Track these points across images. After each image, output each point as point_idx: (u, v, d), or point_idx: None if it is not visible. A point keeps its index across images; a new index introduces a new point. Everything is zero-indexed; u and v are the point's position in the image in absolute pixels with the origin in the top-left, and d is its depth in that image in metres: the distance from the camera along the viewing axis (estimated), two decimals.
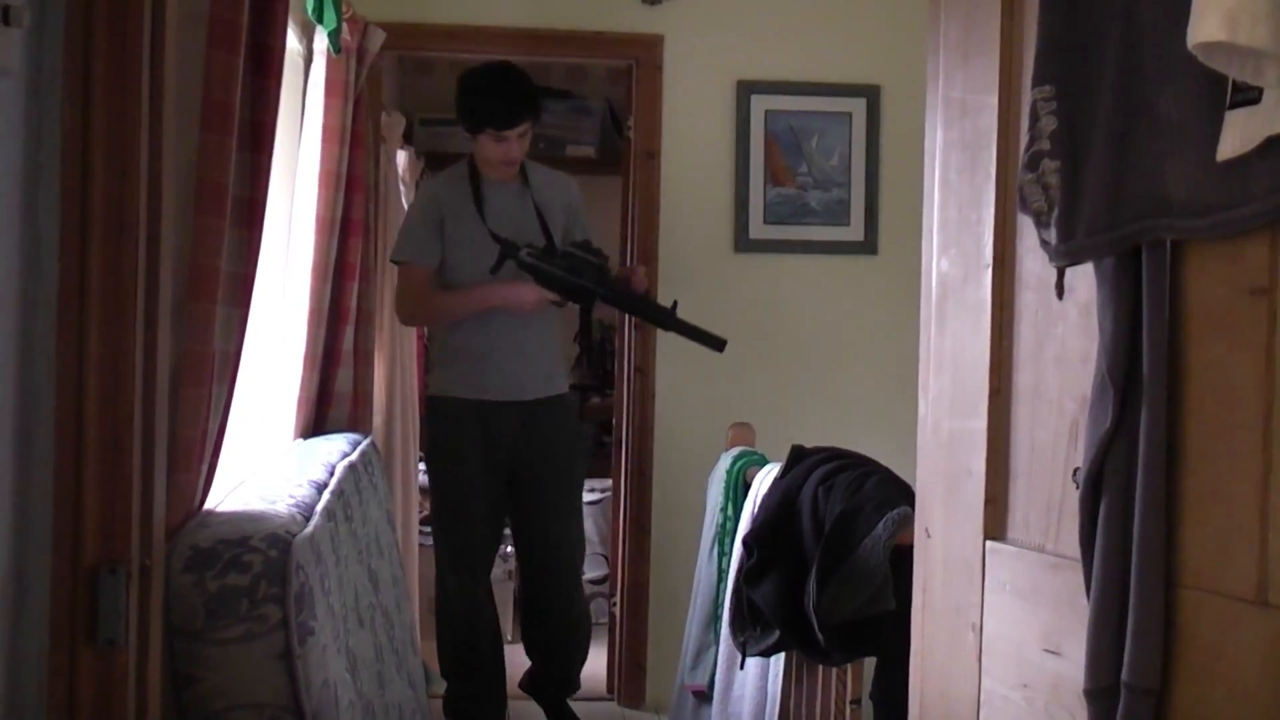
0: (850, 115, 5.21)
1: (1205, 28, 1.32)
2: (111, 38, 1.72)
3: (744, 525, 3.59)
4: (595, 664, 5.05)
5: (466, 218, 4.38)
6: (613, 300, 4.39)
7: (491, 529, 4.60)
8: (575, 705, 4.75)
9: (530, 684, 4.73)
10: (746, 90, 5.15)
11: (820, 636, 2.99)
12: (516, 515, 4.63)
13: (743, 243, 5.17)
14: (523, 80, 4.38)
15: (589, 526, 5.95)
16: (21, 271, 1.65)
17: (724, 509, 3.96)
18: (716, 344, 4.34)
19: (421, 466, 6.48)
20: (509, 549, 5.51)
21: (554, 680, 4.70)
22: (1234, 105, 1.39)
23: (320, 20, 3.38)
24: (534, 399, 4.48)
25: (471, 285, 4.37)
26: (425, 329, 5.92)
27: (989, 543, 1.95)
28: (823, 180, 5.20)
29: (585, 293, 4.31)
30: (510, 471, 4.52)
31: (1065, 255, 1.67)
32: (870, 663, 3.18)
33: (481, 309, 4.37)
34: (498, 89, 4.34)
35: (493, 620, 4.68)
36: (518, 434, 4.47)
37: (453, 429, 4.49)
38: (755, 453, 4.06)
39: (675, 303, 4.35)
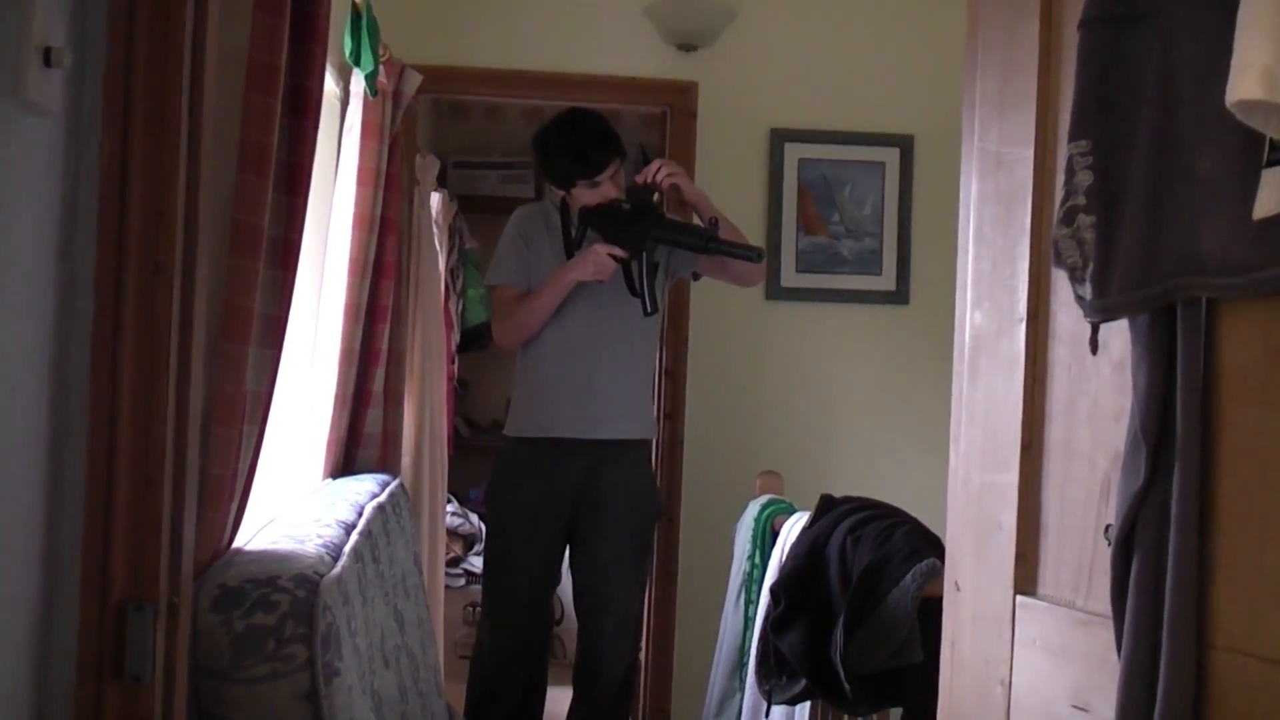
0: (884, 165, 5.21)
1: (1243, 85, 1.31)
2: (151, 80, 1.74)
3: (771, 573, 3.57)
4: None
5: (553, 253, 4.33)
6: (666, 237, 4.21)
7: (539, 583, 4.42)
8: None
9: None
10: (780, 138, 5.17)
11: (846, 686, 2.98)
12: (572, 568, 4.47)
13: (775, 291, 5.17)
14: (596, 122, 4.31)
15: None
16: (57, 310, 1.66)
17: (751, 557, 3.95)
18: (754, 252, 4.16)
19: (450, 507, 6.50)
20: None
21: None
22: (1271, 164, 1.39)
23: (357, 63, 3.41)
24: (604, 439, 4.30)
25: (547, 281, 4.27)
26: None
27: (1019, 598, 1.94)
28: (855, 229, 5.21)
29: (642, 233, 4.17)
30: (570, 526, 4.37)
31: (1099, 311, 1.66)
32: (896, 713, 3.16)
33: (560, 289, 4.22)
34: (573, 140, 4.27)
35: (530, 675, 4.49)
36: (581, 485, 4.31)
37: (510, 470, 4.38)
38: (783, 501, 4.05)
39: (714, 220, 4.18)
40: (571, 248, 4.32)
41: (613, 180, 4.27)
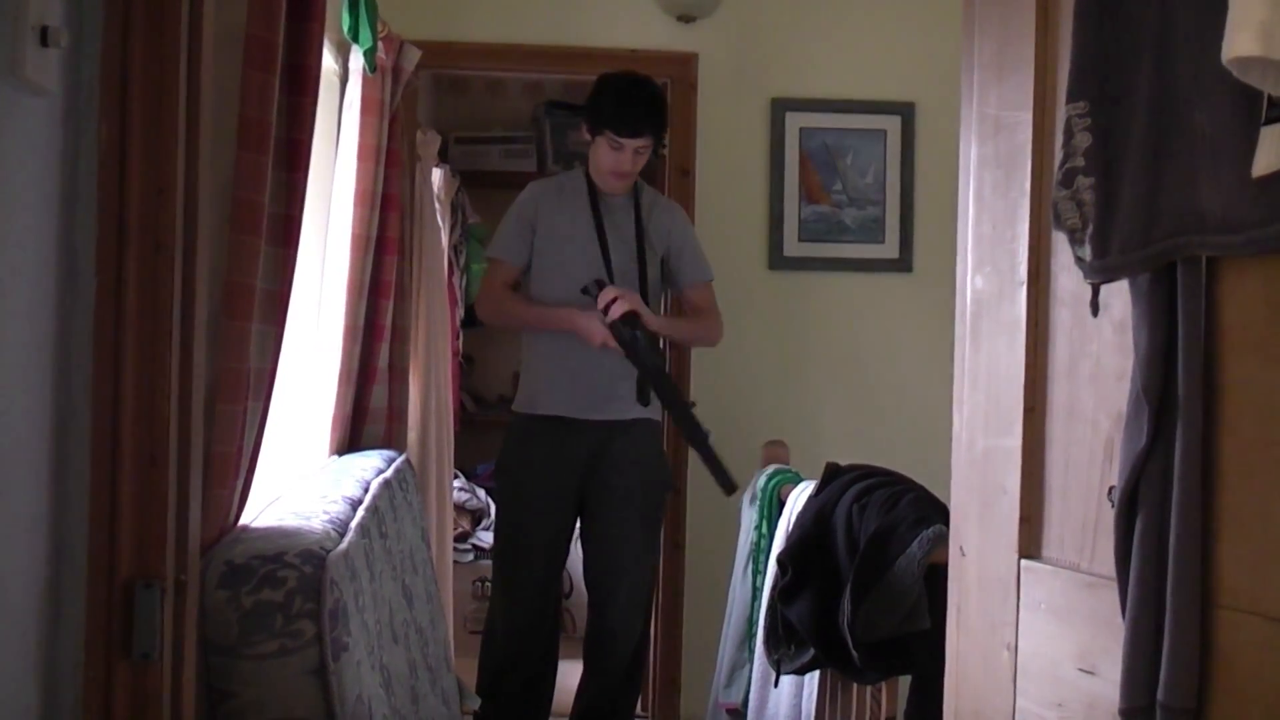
0: (885, 133, 5.20)
1: (1240, 42, 1.31)
2: (148, 58, 1.73)
3: (778, 543, 3.58)
4: None
5: (574, 226, 4.33)
6: (661, 395, 4.24)
7: (551, 556, 4.43)
8: None
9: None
10: (781, 108, 5.16)
11: (855, 654, 2.98)
12: (583, 541, 4.49)
13: (777, 260, 5.17)
14: (657, 96, 4.32)
15: None
16: (58, 289, 1.67)
17: (758, 527, 3.95)
18: (727, 484, 4.12)
19: (458, 483, 6.51)
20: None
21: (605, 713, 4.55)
22: (1269, 121, 1.39)
23: (356, 39, 3.40)
24: (612, 420, 4.32)
25: (550, 303, 4.31)
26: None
27: (1024, 561, 1.94)
28: (857, 198, 5.20)
29: (645, 371, 4.19)
30: (580, 499, 4.39)
31: (1100, 272, 1.66)
32: (905, 681, 3.17)
33: (550, 327, 4.29)
34: (630, 94, 4.27)
35: (542, 648, 4.50)
36: (591, 459, 4.33)
37: (520, 442, 4.40)
38: (789, 470, 4.06)
39: (709, 432, 4.18)
40: (599, 222, 4.33)
41: (634, 155, 4.26)
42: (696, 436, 4.17)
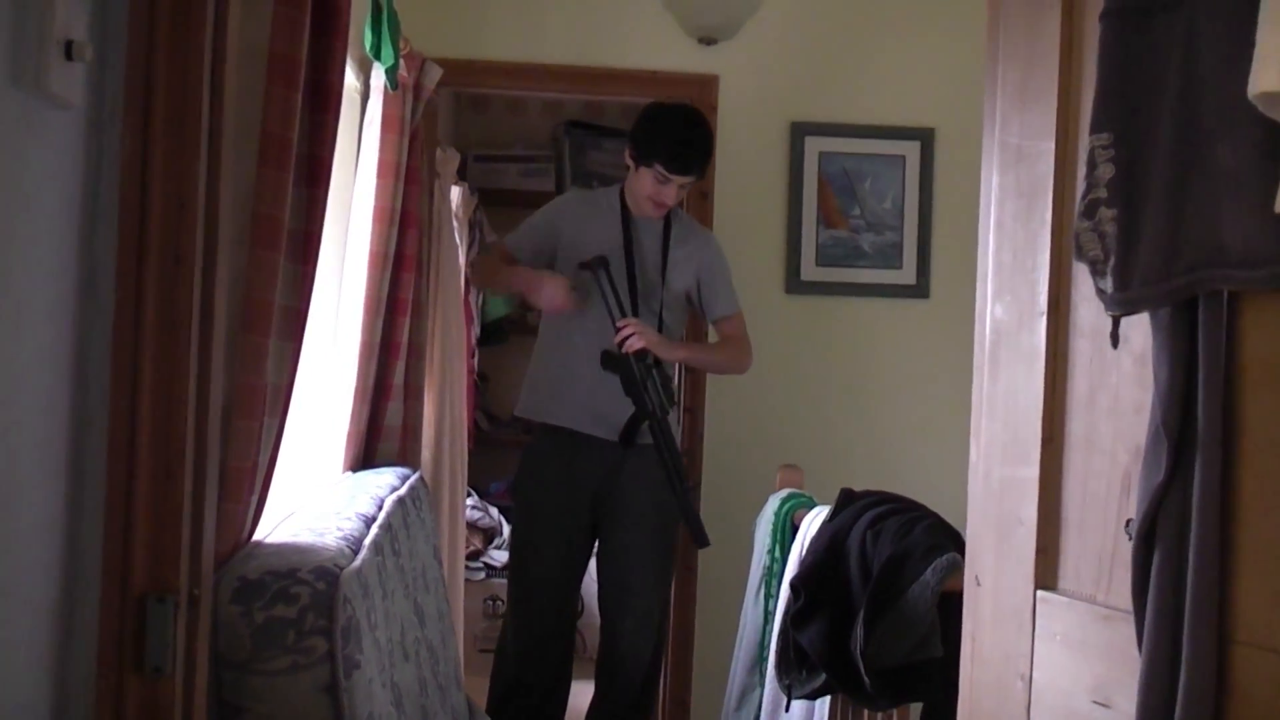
0: (904, 158, 5.20)
1: (1266, 78, 1.31)
2: (171, 72, 1.74)
3: (791, 568, 3.57)
4: None
5: (606, 239, 4.32)
6: (655, 437, 4.19)
7: (563, 576, 4.41)
8: None
9: None
10: (800, 132, 5.16)
11: (866, 681, 2.97)
12: (597, 563, 4.48)
13: (794, 284, 5.16)
14: (708, 134, 4.34)
15: None
16: (78, 301, 1.67)
17: (771, 551, 3.95)
18: (701, 540, 4.19)
19: (470, 501, 6.51)
20: None
21: None
22: None
23: (378, 57, 3.41)
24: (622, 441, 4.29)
25: (516, 267, 4.38)
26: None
27: (1040, 592, 1.93)
28: (875, 223, 5.19)
29: (641, 410, 4.16)
30: (594, 516, 4.37)
31: (1121, 304, 1.66)
32: (917, 708, 3.16)
33: (517, 287, 4.47)
34: (684, 133, 4.25)
35: (554, 668, 4.47)
36: (604, 477, 4.31)
37: (535, 464, 4.39)
38: (803, 495, 4.05)
39: (695, 483, 4.21)
40: (629, 239, 4.32)
41: (679, 189, 4.27)
42: (677, 486, 4.18)
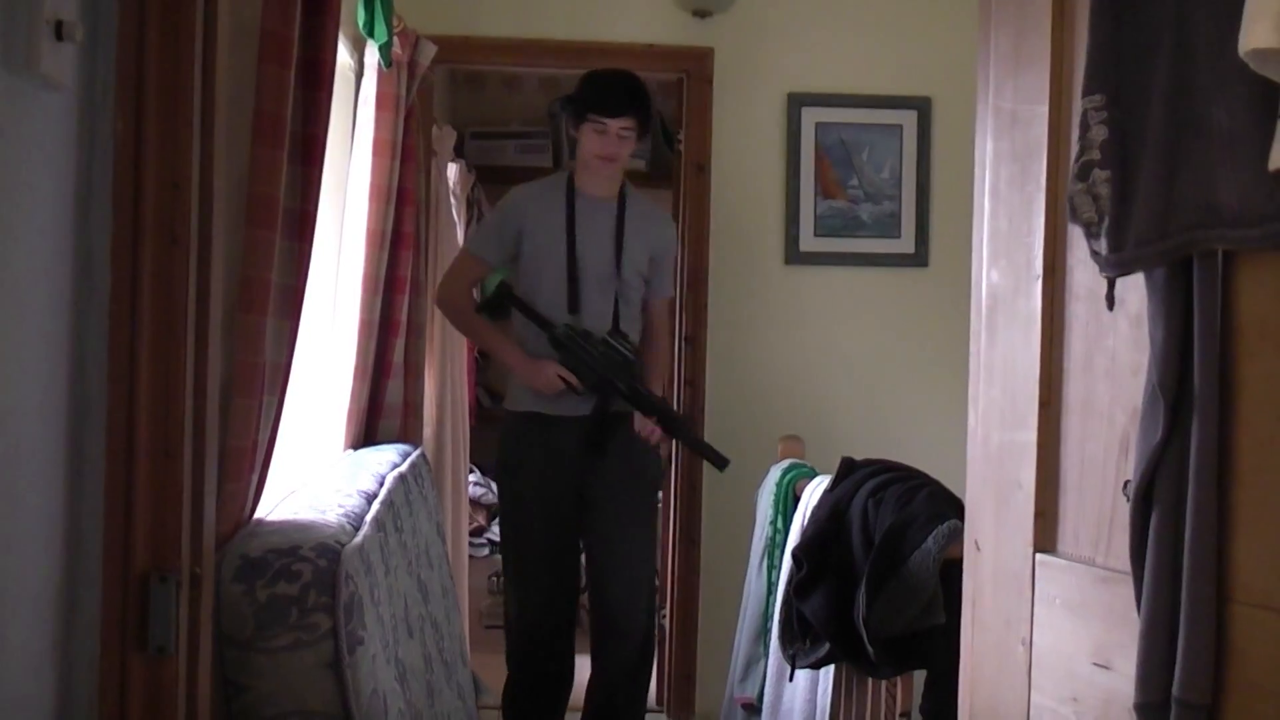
0: (901, 128, 5.19)
1: (1256, 34, 1.31)
2: (164, 52, 1.74)
3: (793, 538, 3.58)
4: None
5: (552, 232, 4.31)
6: (632, 399, 4.24)
7: (556, 554, 4.42)
8: None
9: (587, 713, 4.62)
10: (797, 103, 5.14)
11: (870, 649, 2.98)
12: (585, 536, 4.47)
13: (793, 255, 5.16)
14: (635, 81, 4.35)
15: None
16: (74, 282, 1.67)
17: (773, 521, 3.95)
18: (720, 462, 4.26)
19: (473, 477, 6.52)
20: None
21: (613, 710, 4.53)
22: None
23: (371, 34, 3.40)
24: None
25: (508, 341, 4.40)
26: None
27: (1039, 556, 1.94)
28: (873, 193, 5.18)
29: (607, 386, 4.21)
30: (578, 490, 4.37)
31: (1116, 266, 1.66)
32: (920, 675, 3.17)
33: (499, 357, 4.52)
34: (608, 79, 4.33)
35: (558, 643, 4.47)
36: (581, 452, 4.31)
37: (513, 447, 4.40)
38: (805, 465, 4.05)
39: (686, 418, 4.26)
40: (571, 227, 4.30)
41: (620, 139, 4.26)
42: (673, 426, 4.33)
